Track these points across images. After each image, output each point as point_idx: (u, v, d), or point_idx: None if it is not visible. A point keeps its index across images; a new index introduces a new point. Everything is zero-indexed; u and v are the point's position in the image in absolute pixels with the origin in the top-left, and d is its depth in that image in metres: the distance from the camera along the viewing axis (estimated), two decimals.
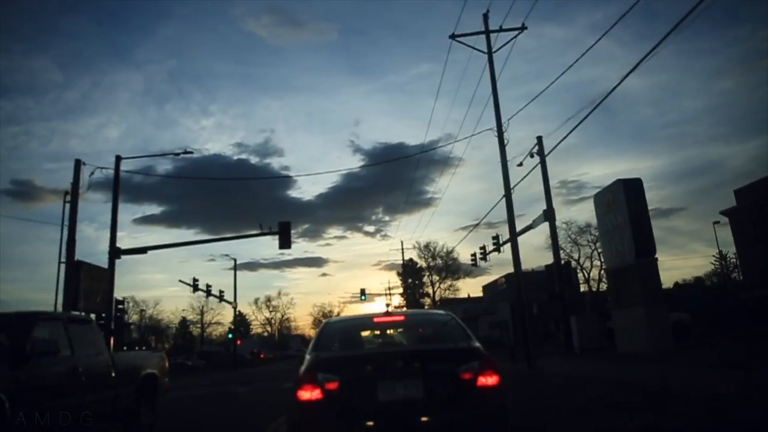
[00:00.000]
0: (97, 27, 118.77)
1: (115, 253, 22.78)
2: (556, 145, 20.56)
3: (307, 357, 4.90)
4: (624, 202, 20.36)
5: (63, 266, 19.01)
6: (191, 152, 26.79)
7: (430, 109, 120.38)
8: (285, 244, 24.37)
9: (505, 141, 20.93)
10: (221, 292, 46.50)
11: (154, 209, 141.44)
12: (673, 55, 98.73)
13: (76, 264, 19.04)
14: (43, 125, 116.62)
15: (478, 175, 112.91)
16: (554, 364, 18.56)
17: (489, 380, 4.43)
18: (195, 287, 41.40)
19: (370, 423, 4.27)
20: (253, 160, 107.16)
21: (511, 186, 21.06)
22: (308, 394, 4.30)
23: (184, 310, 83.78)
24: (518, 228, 22.47)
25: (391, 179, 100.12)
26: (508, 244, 25.99)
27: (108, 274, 22.15)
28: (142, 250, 24.99)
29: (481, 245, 34.60)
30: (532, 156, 24.75)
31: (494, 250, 32.21)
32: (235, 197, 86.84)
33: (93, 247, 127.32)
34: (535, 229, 26.40)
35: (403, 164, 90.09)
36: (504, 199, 21.08)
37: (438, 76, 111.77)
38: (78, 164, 19.44)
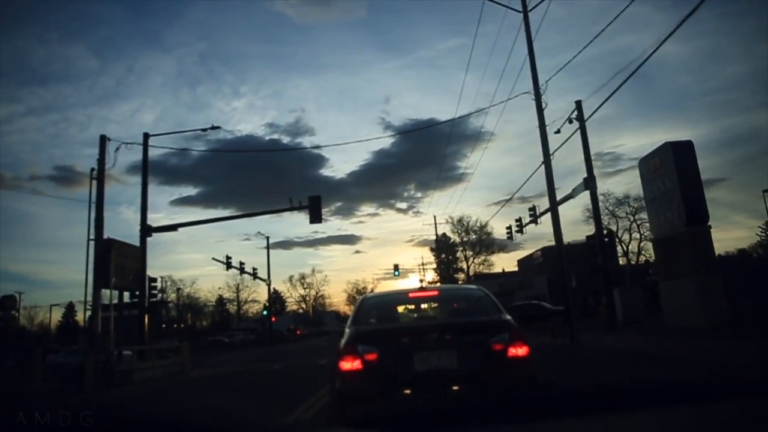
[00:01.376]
0: (128, 12, 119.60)
1: (146, 230, 22.69)
2: (597, 109, 19.46)
3: (347, 331, 5.09)
4: (673, 167, 19.07)
5: (92, 244, 18.81)
6: (218, 127, 26.29)
7: (461, 83, 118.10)
8: (315, 218, 23.87)
9: (543, 105, 19.88)
10: (254, 269, 46.63)
11: (190, 191, 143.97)
12: (715, 17, 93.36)
13: (106, 242, 18.88)
14: (80, 112, 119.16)
15: (510, 148, 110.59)
16: (599, 339, 17.58)
17: (519, 351, 4.60)
18: (228, 265, 41.57)
19: (408, 391, 4.52)
20: (285, 139, 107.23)
21: (550, 152, 19.99)
22: (349, 364, 4.55)
23: (220, 288, 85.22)
24: (557, 198, 21.37)
25: (422, 156, 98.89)
26: (545, 216, 25.02)
27: (140, 252, 22.05)
28: (173, 228, 24.91)
29: (517, 218, 33.50)
30: (570, 122, 23.51)
31: (531, 222, 31.10)
32: (268, 177, 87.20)
33: (132, 229, 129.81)
34: (571, 203, 25.23)
35: (434, 140, 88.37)
36: (542, 167, 20.05)
37: (468, 50, 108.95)
38: (103, 140, 19.22)
